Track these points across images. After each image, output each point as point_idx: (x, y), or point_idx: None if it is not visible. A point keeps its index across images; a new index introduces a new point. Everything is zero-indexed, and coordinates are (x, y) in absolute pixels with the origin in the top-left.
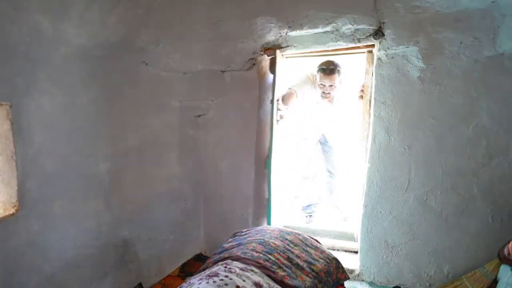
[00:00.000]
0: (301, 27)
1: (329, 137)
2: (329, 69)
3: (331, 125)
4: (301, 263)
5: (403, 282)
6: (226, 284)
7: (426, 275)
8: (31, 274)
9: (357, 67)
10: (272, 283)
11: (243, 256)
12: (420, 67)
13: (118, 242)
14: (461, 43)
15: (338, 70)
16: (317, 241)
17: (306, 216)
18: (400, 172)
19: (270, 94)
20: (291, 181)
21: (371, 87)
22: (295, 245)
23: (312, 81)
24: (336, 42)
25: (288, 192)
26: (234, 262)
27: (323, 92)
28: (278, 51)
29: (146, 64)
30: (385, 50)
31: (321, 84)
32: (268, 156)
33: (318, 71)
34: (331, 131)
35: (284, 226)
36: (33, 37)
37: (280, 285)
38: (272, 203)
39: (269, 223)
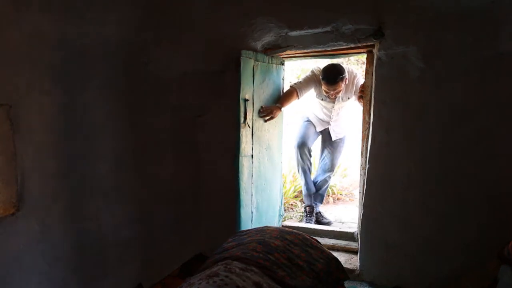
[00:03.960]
0: (301, 27)
1: (336, 134)
2: (332, 80)
3: (337, 121)
4: (301, 263)
5: (403, 282)
6: (226, 284)
7: (426, 275)
8: (31, 274)
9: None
10: (272, 283)
11: (243, 256)
12: (420, 67)
13: (118, 242)
14: (461, 43)
15: (342, 77)
16: (317, 241)
17: (306, 216)
18: (400, 172)
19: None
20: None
21: (371, 87)
22: (295, 245)
23: (318, 79)
24: (336, 42)
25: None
26: (234, 262)
27: (329, 96)
28: (243, 51)
29: (146, 64)
30: (385, 50)
31: (326, 90)
32: (236, 154)
33: (322, 78)
34: (338, 127)
35: (284, 226)
36: (33, 37)
37: (280, 285)
38: (244, 202)
39: (239, 221)
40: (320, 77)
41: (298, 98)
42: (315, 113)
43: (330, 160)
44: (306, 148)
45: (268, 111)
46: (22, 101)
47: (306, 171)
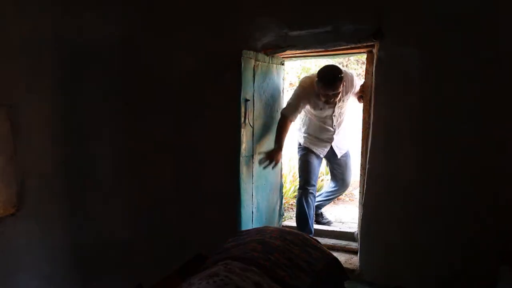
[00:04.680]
0: (301, 27)
1: (340, 150)
2: (330, 81)
3: (339, 134)
4: (301, 263)
5: (403, 282)
6: (226, 284)
7: (426, 275)
8: (31, 274)
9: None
10: (272, 283)
11: (243, 256)
12: (420, 67)
13: (118, 242)
14: (461, 43)
15: (341, 77)
16: (317, 241)
17: None
18: (400, 172)
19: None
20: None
21: (371, 87)
22: (296, 245)
23: (310, 91)
24: (336, 42)
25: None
26: (234, 262)
27: (327, 101)
28: (243, 51)
29: (146, 63)
30: (385, 50)
31: (324, 94)
32: (236, 154)
33: (318, 82)
34: (340, 141)
35: (284, 226)
36: (33, 37)
37: (281, 285)
38: (244, 202)
39: (240, 221)
40: (317, 81)
41: (293, 121)
42: (314, 134)
43: (342, 180)
44: (311, 188)
45: (270, 157)
46: (22, 101)
47: (306, 219)
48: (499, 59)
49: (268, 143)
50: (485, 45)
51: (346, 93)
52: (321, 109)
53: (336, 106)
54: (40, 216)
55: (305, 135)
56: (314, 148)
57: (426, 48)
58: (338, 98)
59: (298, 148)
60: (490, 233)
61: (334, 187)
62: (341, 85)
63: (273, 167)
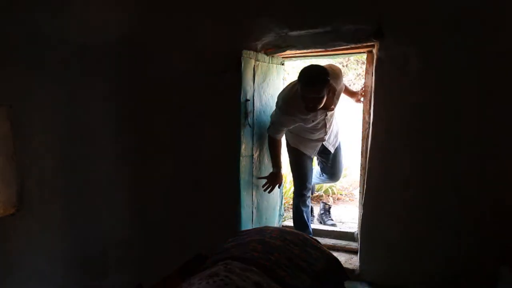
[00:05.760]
0: (301, 27)
1: (331, 145)
2: (311, 81)
3: (332, 131)
4: (301, 263)
5: (403, 282)
6: (226, 284)
7: (426, 275)
8: (31, 273)
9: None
10: (272, 283)
11: (243, 256)
12: (420, 67)
13: (118, 242)
14: (460, 43)
15: (324, 78)
16: (317, 241)
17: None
18: (400, 172)
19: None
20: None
21: (371, 87)
22: (295, 245)
23: (293, 113)
24: (336, 42)
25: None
26: (234, 262)
27: (308, 106)
28: (244, 51)
29: (146, 63)
30: (385, 50)
31: (304, 96)
32: (236, 154)
33: (299, 82)
34: (331, 136)
35: (284, 226)
36: (33, 37)
37: (281, 285)
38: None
39: (240, 221)
40: (299, 82)
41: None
42: (304, 136)
43: (332, 174)
44: (308, 191)
45: (272, 182)
46: (22, 101)
47: (305, 223)
48: (499, 59)
49: (267, 145)
50: (485, 45)
51: (337, 97)
52: (312, 121)
53: (329, 114)
54: (40, 216)
55: (294, 135)
56: (305, 149)
57: (426, 48)
58: (327, 104)
59: (287, 146)
60: (490, 233)
61: (324, 178)
62: (325, 89)
63: (279, 187)
